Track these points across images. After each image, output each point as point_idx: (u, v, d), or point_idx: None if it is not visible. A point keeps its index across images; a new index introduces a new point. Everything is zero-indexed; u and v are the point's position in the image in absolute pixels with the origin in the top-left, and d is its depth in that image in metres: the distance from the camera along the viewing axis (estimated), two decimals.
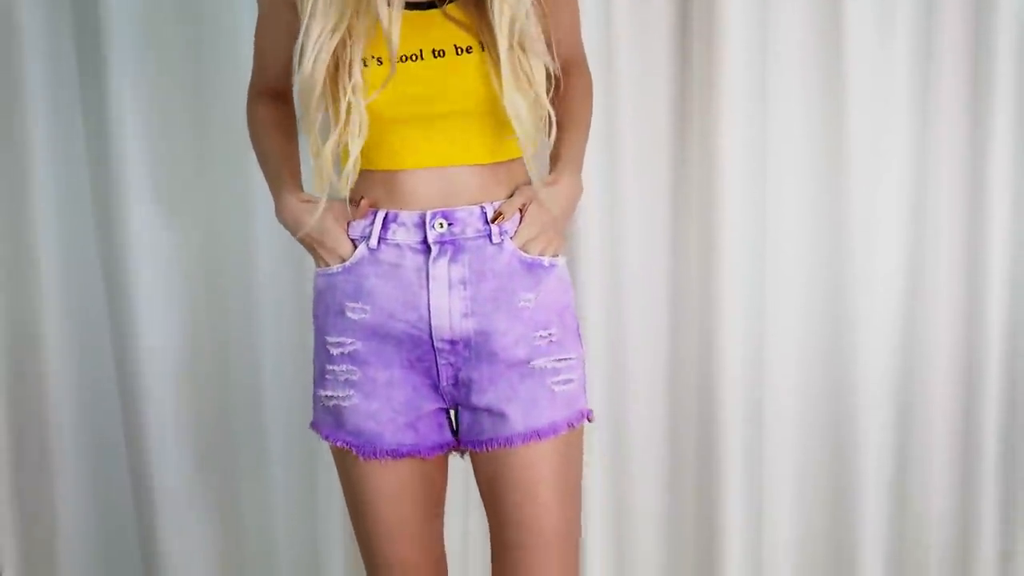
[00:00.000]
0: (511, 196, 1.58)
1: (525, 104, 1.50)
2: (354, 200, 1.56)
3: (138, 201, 2.07)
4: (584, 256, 2.11)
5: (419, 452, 1.59)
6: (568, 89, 1.65)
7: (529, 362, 1.56)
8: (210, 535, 2.23)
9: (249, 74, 1.70)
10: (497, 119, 1.53)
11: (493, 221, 1.55)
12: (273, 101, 1.69)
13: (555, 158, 1.64)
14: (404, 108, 1.51)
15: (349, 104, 1.49)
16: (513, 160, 1.59)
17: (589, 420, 1.62)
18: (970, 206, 2.15)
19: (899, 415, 2.23)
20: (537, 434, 1.56)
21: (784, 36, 2.09)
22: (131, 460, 2.18)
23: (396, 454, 1.58)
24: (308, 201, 1.59)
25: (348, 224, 1.57)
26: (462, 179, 1.55)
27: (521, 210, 1.57)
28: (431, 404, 1.59)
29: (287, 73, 1.59)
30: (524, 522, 1.57)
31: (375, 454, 1.58)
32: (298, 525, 2.24)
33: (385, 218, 1.54)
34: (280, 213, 1.61)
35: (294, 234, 1.60)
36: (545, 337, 1.57)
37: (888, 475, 2.23)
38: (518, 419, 1.55)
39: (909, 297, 2.19)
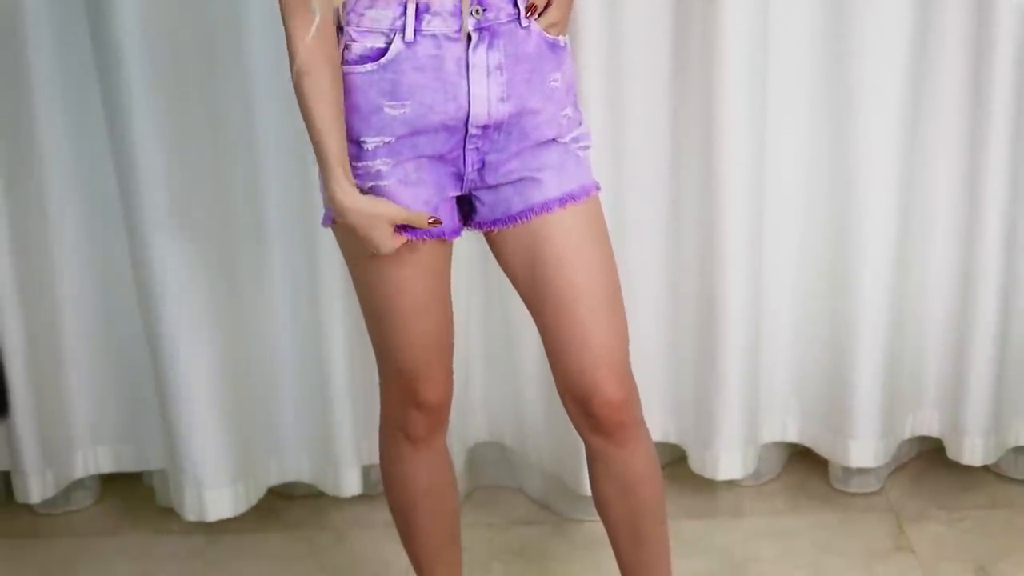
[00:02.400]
0: None
1: None
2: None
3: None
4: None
5: (444, 235, 1.62)
6: None
7: (556, 139, 1.61)
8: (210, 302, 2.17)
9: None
10: None
11: (528, 15, 1.55)
12: (329, 41, 1.51)
13: None
14: None
15: None
16: None
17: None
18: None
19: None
20: (572, 196, 1.60)
21: None
22: (129, 227, 2.12)
23: (427, 235, 1.59)
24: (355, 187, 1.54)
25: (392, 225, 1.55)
26: None
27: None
28: (452, 191, 1.61)
29: None
30: (576, 275, 1.59)
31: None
32: (301, 301, 2.23)
33: (416, 9, 1.51)
34: (334, 198, 1.54)
35: (343, 219, 1.55)
36: (566, 116, 1.61)
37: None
38: (552, 184, 1.59)
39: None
